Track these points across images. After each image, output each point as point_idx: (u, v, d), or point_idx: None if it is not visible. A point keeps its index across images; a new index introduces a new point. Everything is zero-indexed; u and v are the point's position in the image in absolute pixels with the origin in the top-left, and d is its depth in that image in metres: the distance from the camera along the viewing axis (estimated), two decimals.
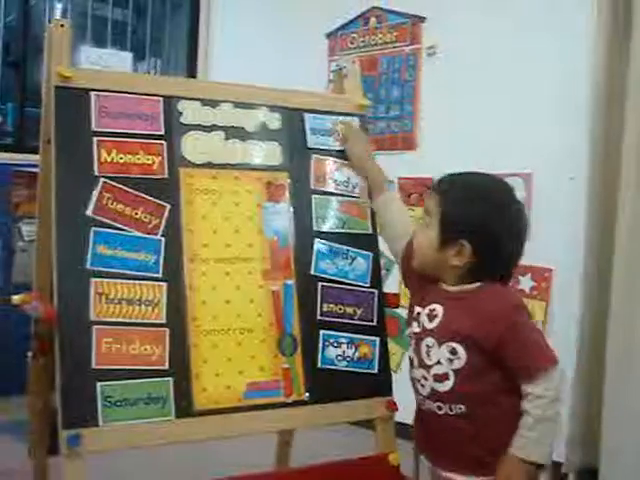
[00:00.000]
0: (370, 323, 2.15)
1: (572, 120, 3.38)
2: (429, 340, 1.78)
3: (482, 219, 1.75)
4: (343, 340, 2.11)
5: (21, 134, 4.71)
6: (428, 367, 1.77)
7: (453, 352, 1.73)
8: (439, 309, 1.79)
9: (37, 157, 2.08)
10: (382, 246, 2.24)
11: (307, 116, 2.21)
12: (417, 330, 1.83)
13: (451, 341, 1.73)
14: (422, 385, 1.81)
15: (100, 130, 1.94)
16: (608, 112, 3.17)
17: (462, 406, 1.74)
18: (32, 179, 4.38)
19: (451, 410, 1.76)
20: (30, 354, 2.27)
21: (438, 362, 1.75)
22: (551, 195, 3.49)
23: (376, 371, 2.13)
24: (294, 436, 2.53)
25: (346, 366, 2.10)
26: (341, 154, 2.23)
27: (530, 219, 3.41)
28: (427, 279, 1.87)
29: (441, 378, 1.75)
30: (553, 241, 3.29)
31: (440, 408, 1.77)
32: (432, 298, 1.83)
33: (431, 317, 1.80)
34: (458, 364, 1.73)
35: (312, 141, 2.20)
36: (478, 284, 1.78)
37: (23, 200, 4.42)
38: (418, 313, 1.85)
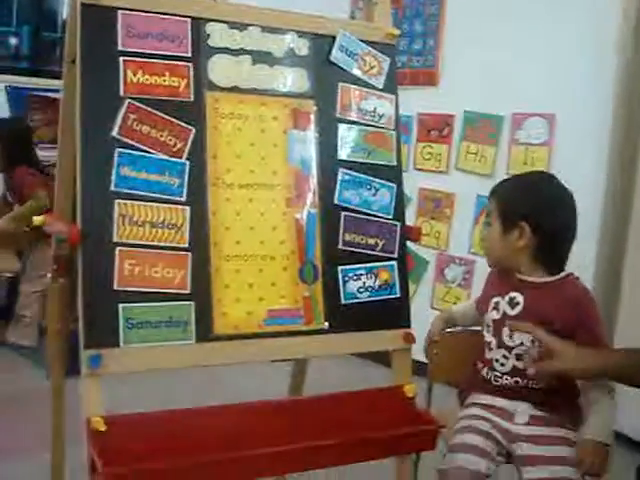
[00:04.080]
0: (391, 255, 2.14)
1: (598, 58, 3.35)
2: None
3: (535, 199, 2.01)
4: (362, 272, 2.10)
5: (37, 58, 4.67)
6: (510, 348, 2.00)
7: None
8: (519, 297, 2.01)
9: (53, 82, 2.05)
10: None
11: (340, 33, 2.14)
12: (497, 317, 2.05)
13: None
14: (502, 364, 2.03)
15: (126, 50, 1.90)
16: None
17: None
18: (48, 104, 4.38)
19: (528, 385, 2.00)
20: (49, 276, 2.29)
21: (521, 343, 1.98)
22: (574, 136, 3.47)
23: (398, 295, 2.13)
24: (308, 371, 2.55)
25: (369, 296, 2.09)
26: (363, 82, 2.18)
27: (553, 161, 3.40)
28: (499, 277, 2.12)
29: (522, 357, 1.97)
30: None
31: (517, 383, 2.01)
32: (510, 287, 2.05)
33: (512, 304, 2.02)
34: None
35: (337, 55, 2.13)
36: (559, 276, 2.02)
37: (38, 125, 4.39)
38: (497, 302, 2.06)
